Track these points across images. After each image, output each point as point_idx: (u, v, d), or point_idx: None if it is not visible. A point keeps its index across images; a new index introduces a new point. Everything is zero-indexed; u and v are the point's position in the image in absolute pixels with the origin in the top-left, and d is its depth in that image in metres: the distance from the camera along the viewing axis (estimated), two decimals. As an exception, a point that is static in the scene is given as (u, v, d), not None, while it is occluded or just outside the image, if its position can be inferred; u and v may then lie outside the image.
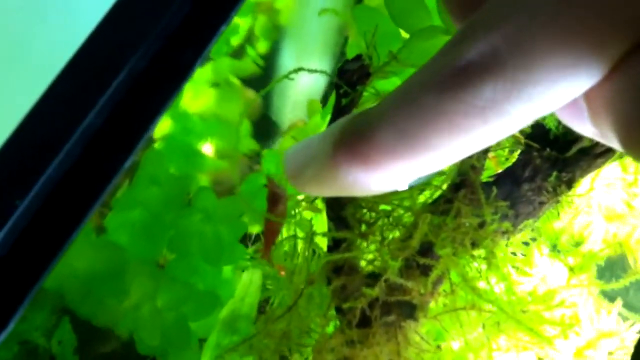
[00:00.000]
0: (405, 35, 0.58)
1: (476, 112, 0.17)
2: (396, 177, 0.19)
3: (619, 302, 0.63)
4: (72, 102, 0.40)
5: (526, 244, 0.60)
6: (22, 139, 0.39)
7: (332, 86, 0.84)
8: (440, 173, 0.52)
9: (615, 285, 0.53)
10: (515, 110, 0.17)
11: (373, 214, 0.51)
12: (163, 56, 0.43)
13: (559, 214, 0.53)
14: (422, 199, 0.52)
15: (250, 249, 0.68)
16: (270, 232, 0.50)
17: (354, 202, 0.50)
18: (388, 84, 0.56)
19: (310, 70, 0.50)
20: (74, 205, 0.39)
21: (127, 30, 0.42)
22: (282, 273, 0.54)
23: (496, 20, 0.17)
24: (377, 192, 0.19)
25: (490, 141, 0.18)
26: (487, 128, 0.17)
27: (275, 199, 0.49)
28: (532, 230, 0.55)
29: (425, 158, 0.18)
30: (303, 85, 0.89)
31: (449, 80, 0.17)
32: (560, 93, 0.17)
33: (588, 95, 0.18)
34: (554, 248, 0.63)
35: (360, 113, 0.19)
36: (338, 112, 0.51)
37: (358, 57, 0.51)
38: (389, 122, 0.18)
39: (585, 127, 0.19)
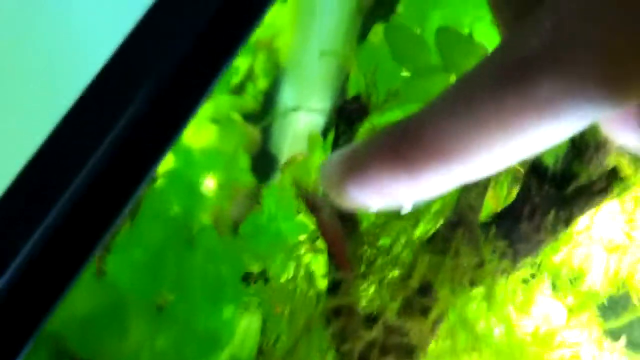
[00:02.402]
0: (406, 72, 0.59)
1: (532, 110, 0.16)
2: (433, 184, 0.18)
3: (622, 340, 0.63)
4: (74, 146, 0.40)
5: (526, 281, 0.60)
6: (26, 182, 0.39)
7: (332, 121, 0.84)
8: (436, 211, 0.52)
9: (615, 324, 0.52)
10: (573, 110, 0.16)
11: (373, 251, 0.51)
12: (165, 98, 0.43)
13: (558, 250, 0.52)
14: (417, 233, 0.52)
15: (252, 288, 0.67)
16: (334, 241, 0.47)
17: (355, 239, 0.50)
18: (388, 116, 0.57)
19: (309, 110, 0.50)
20: (75, 248, 0.40)
21: (130, 71, 0.42)
22: (278, 309, 0.54)
23: (557, 14, 0.16)
24: (392, 207, 0.19)
25: (544, 145, 0.17)
26: (543, 129, 0.16)
27: (314, 207, 0.47)
28: (532, 265, 0.54)
29: (472, 162, 0.17)
30: (303, 120, 0.89)
31: (506, 75, 0.16)
32: (624, 95, 0.16)
33: None
34: (554, 284, 0.62)
35: (403, 118, 0.18)
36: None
37: (357, 97, 0.52)
38: (438, 121, 0.17)
39: (630, 138, 0.19)
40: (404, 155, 0.18)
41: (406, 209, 0.19)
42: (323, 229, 0.46)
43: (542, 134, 0.16)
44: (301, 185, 0.47)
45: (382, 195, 0.18)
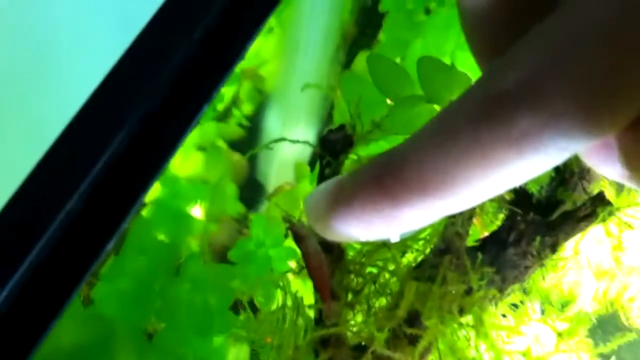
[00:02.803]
0: (390, 102, 0.59)
1: (512, 143, 0.16)
2: (417, 217, 0.18)
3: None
4: (59, 174, 0.40)
5: (515, 305, 0.60)
6: (7, 218, 0.39)
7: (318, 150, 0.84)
8: (422, 238, 0.52)
9: (604, 349, 0.52)
10: (551, 143, 0.16)
11: (360, 280, 0.51)
12: (152, 127, 0.43)
13: (544, 277, 0.53)
14: (404, 261, 0.52)
15: (241, 316, 0.67)
16: (317, 274, 0.47)
17: (341, 268, 0.50)
18: (373, 147, 0.57)
19: (292, 141, 0.50)
20: (62, 279, 0.39)
21: (116, 102, 0.42)
22: (268, 340, 0.54)
23: (534, 50, 0.16)
24: (378, 239, 0.19)
25: (523, 179, 0.17)
26: (522, 163, 0.16)
27: (298, 237, 0.47)
28: (522, 291, 0.55)
29: (454, 195, 0.17)
30: (289, 148, 0.89)
31: (485, 110, 0.16)
32: (600, 128, 0.16)
33: (621, 134, 0.18)
34: (543, 309, 0.62)
35: (386, 150, 0.19)
36: (322, 182, 0.51)
37: (341, 127, 0.52)
38: (419, 154, 0.17)
39: (613, 169, 0.19)
40: (388, 189, 0.18)
41: (394, 240, 0.19)
42: (307, 260, 0.46)
43: (522, 168, 0.17)
44: (288, 215, 0.47)
45: (367, 228, 0.19)
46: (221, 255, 0.79)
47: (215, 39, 0.45)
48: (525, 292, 0.58)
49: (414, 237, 0.51)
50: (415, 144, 0.18)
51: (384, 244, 0.50)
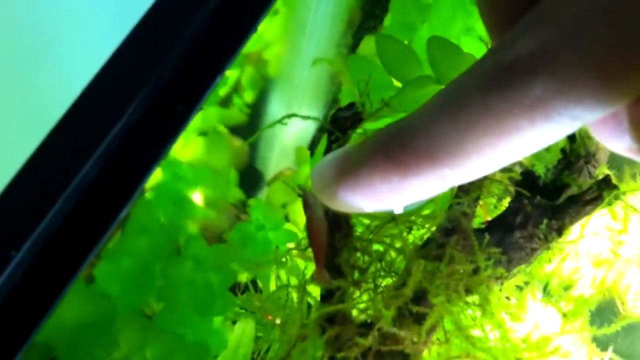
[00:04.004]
0: (397, 84, 0.59)
1: (524, 111, 0.16)
2: (424, 187, 0.18)
3: (610, 349, 0.63)
4: (67, 155, 0.40)
5: (519, 288, 0.60)
6: (18, 190, 0.38)
7: (321, 134, 0.84)
8: (429, 216, 0.52)
9: (607, 330, 0.52)
10: (564, 111, 0.16)
11: (366, 258, 0.51)
12: (156, 109, 0.43)
13: (550, 259, 0.53)
14: (410, 238, 0.51)
15: (240, 298, 0.67)
16: (315, 242, 0.47)
17: (348, 246, 0.50)
18: (378, 124, 0.57)
19: (303, 117, 0.50)
20: (67, 258, 0.39)
21: (121, 83, 0.42)
22: (270, 317, 0.54)
23: (548, 20, 0.16)
24: (383, 210, 0.19)
25: (533, 149, 0.17)
26: (533, 132, 0.16)
27: (306, 204, 0.48)
28: (525, 274, 0.55)
29: (462, 164, 0.17)
30: (290, 135, 0.89)
31: (497, 77, 0.16)
32: (612, 96, 0.16)
33: (632, 106, 0.18)
34: (545, 291, 0.63)
35: (394, 121, 0.18)
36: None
37: (351, 105, 0.52)
38: (429, 124, 0.17)
39: (621, 142, 0.19)
40: (396, 159, 0.18)
41: (397, 211, 0.19)
42: (310, 225, 0.47)
43: (532, 137, 0.16)
44: (303, 186, 0.47)
45: (374, 198, 0.18)
46: (220, 241, 0.79)
47: (221, 20, 0.45)
48: (529, 275, 0.58)
49: (417, 212, 0.51)
50: (424, 114, 0.18)
51: (392, 218, 0.50)
